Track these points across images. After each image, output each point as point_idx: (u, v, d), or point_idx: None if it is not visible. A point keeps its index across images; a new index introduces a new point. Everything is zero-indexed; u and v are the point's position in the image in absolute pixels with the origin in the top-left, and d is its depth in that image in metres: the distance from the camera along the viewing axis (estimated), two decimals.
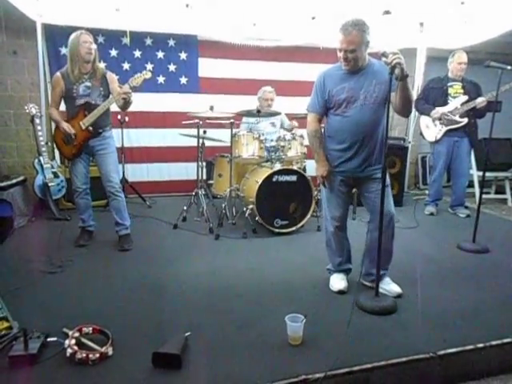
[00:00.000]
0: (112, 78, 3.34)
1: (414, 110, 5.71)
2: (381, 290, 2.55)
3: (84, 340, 1.96)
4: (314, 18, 4.65)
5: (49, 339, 1.97)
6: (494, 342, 2.07)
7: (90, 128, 3.24)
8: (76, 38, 3.13)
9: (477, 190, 5.24)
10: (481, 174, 3.72)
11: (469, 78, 4.44)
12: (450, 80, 4.44)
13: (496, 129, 3.41)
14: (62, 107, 3.37)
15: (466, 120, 4.34)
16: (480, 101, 4.15)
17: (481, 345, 2.05)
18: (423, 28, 5.10)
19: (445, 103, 4.41)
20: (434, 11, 4.60)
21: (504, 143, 5.56)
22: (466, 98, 4.32)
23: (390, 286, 2.60)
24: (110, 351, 1.92)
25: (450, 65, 4.43)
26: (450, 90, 4.42)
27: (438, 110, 4.41)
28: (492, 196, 5.57)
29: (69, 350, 1.86)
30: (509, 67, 3.20)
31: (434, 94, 4.49)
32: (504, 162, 5.41)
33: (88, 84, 3.23)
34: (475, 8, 4.25)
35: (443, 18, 4.70)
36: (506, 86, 3.84)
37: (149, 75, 3.25)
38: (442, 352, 1.99)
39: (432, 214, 4.68)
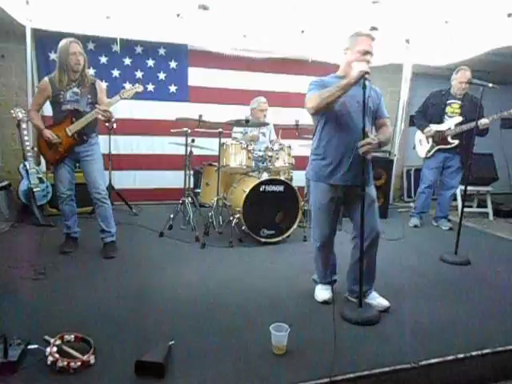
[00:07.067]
0: (101, 87, 3.36)
1: (399, 124, 5.85)
2: None
3: (66, 348, 1.93)
4: (303, 32, 4.74)
5: (29, 347, 1.93)
6: (474, 353, 2.11)
7: (76, 135, 3.22)
8: (66, 47, 3.11)
9: (459, 203, 5.34)
10: (463, 188, 3.80)
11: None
12: (450, 97, 4.45)
13: (479, 144, 3.50)
14: (49, 112, 3.35)
15: (456, 142, 4.39)
16: (484, 123, 4.07)
17: (461, 355, 2.09)
18: (409, 45, 5.23)
19: (440, 121, 4.47)
20: (420, 29, 4.73)
21: (486, 158, 5.69)
22: (460, 119, 4.36)
23: (377, 300, 2.60)
24: (92, 359, 1.89)
25: (453, 81, 4.42)
26: (448, 109, 4.45)
27: (432, 129, 4.48)
28: (474, 210, 5.68)
29: (50, 358, 1.83)
30: (490, 85, 3.28)
31: (433, 111, 4.53)
32: (486, 177, 5.53)
33: (76, 90, 3.22)
34: (459, 27, 4.38)
35: (428, 35, 4.84)
36: (504, 113, 4.00)
37: (141, 89, 3.39)
38: (423, 362, 2.01)
39: (416, 226, 4.74)
